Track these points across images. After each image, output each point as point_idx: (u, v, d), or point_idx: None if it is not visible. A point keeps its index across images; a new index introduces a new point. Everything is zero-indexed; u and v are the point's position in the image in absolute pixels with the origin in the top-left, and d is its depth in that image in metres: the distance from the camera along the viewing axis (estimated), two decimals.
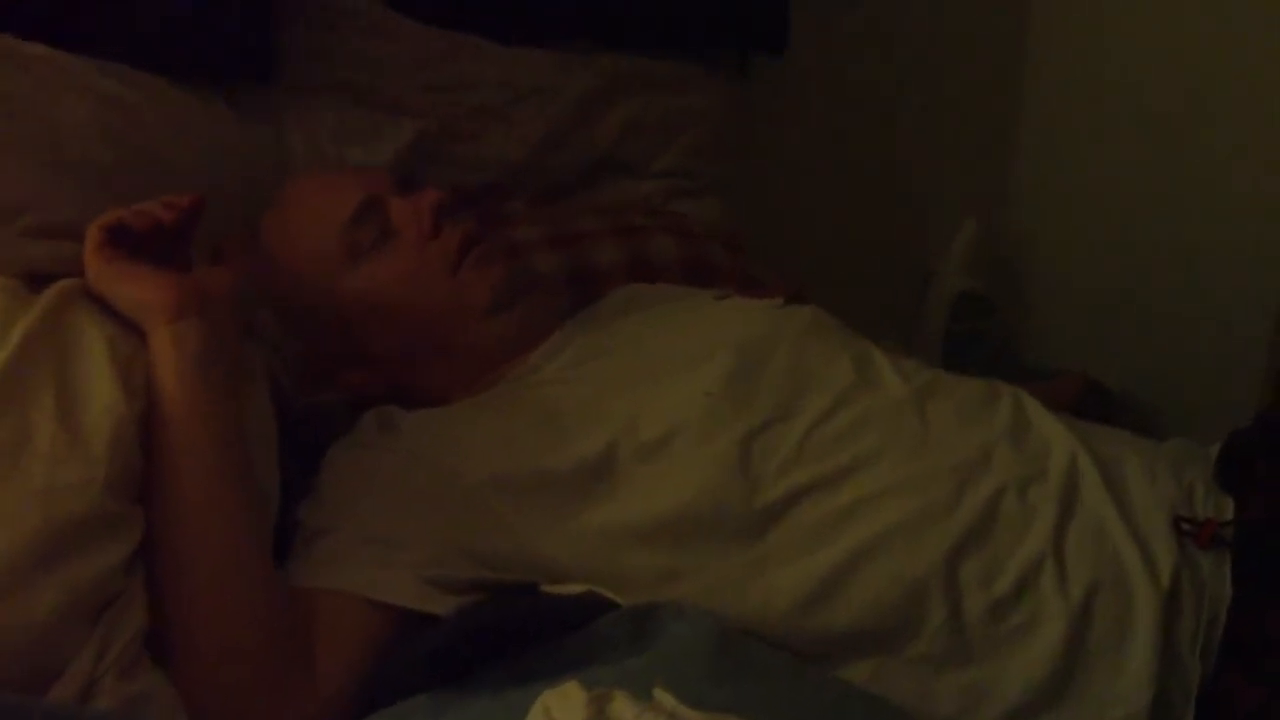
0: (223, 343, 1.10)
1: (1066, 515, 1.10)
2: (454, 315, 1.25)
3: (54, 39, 1.29)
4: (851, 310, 1.36)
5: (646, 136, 1.67)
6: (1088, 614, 1.06)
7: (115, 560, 1.03)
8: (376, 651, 1.05)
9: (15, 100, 1.24)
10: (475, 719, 0.95)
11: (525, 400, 1.20)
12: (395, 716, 1.00)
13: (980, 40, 2.05)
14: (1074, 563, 1.07)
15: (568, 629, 0.98)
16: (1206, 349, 1.99)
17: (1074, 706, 1.04)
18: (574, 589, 1.03)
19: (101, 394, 1.06)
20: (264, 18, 1.46)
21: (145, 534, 1.06)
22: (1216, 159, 1.96)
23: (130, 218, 1.12)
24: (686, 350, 1.21)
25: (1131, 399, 1.93)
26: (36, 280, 1.14)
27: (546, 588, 1.05)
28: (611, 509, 1.10)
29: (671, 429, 1.12)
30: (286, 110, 1.50)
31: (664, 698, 0.80)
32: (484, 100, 1.58)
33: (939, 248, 2.10)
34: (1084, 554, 1.08)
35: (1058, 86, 2.05)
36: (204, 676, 1.02)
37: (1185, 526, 1.09)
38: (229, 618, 1.03)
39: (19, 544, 0.98)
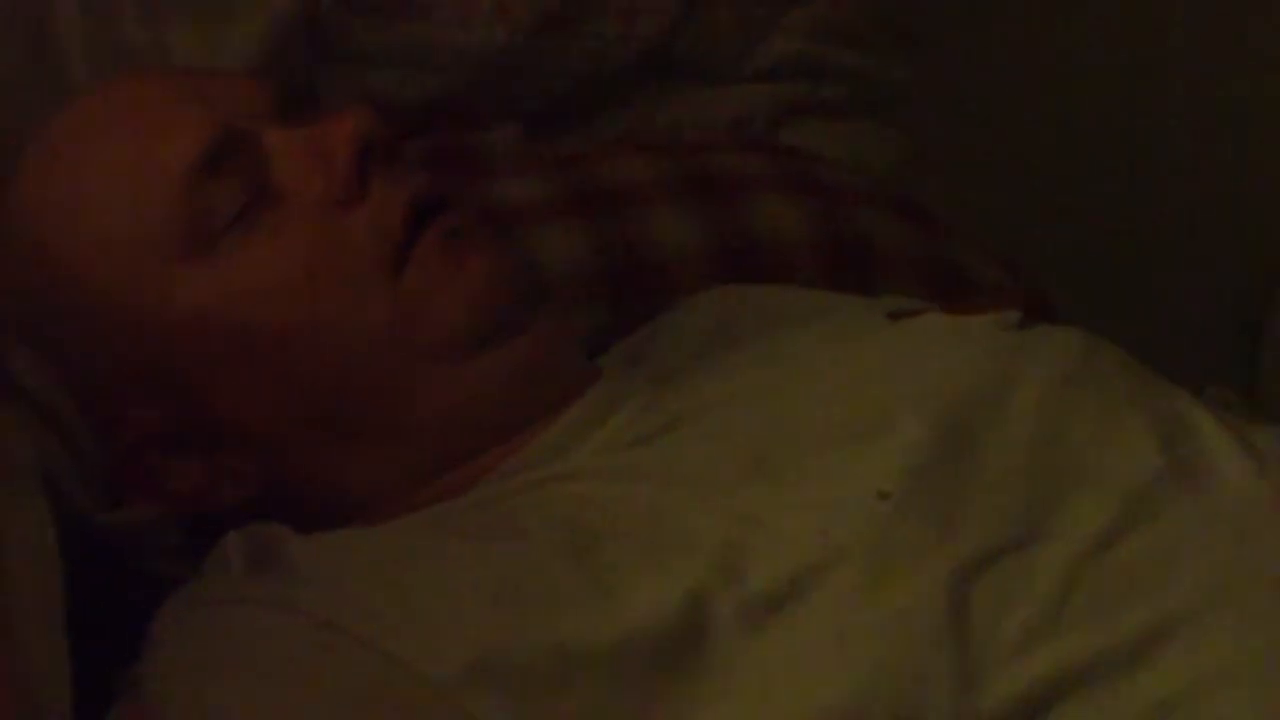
0: None
1: None
2: (395, 354, 0.98)
3: None
4: (1146, 335, 1.08)
5: (738, 0, 1.36)
6: None
7: None
8: None
9: None
10: None
11: (533, 514, 0.94)
12: None
13: None
14: None
15: None
16: None
17: None
18: None
19: None
20: None
21: None
22: None
23: None
24: (838, 414, 0.96)
25: None
26: None
27: None
28: None
29: (810, 566, 0.88)
30: None
31: None
32: None
33: None
34: None
35: None
36: None
37: None
38: None
39: None
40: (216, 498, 1.00)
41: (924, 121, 1.50)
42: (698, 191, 1.25)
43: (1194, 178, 1.87)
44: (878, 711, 0.86)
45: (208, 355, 0.99)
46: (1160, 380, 1.03)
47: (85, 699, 0.91)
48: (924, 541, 0.91)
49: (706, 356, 1.06)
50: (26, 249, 1.02)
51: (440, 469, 1.00)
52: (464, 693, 0.88)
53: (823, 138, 1.37)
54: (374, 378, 1.00)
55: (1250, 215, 1.84)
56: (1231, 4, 1.82)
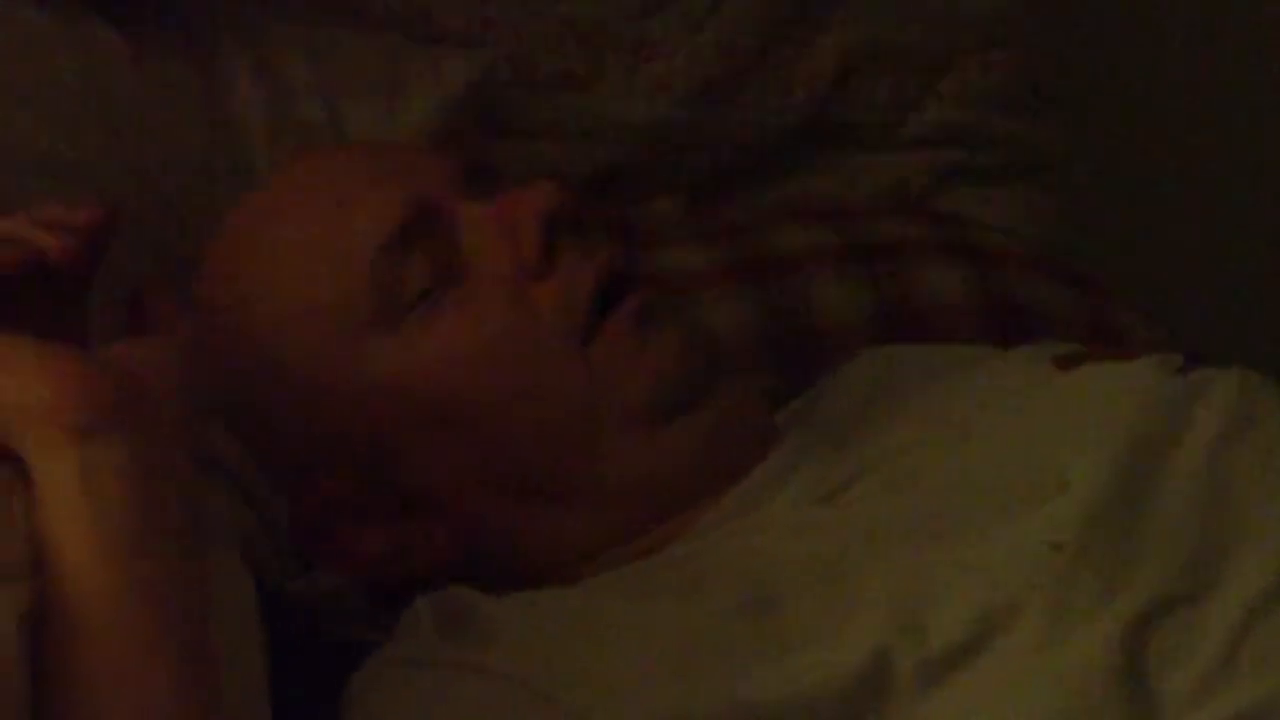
0: (166, 476, 0.83)
1: None
2: (584, 424, 0.99)
3: None
4: None
5: (892, 69, 1.35)
6: None
7: None
8: None
9: None
10: None
11: (715, 574, 0.95)
12: None
13: None
14: None
15: None
16: None
17: None
18: None
19: None
20: None
21: None
22: None
23: None
24: (1010, 469, 0.96)
25: None
26: None
27: None
28: None
29: (988, 620, 0.88)
30: (230, 41, 1.22)
31: None
32: (593, 13, 1.30)
33: None
34: None
35: None
36: None
37: None
38: None
39: None
40: (405, 564, 1.00)
41: (1078, 186, 1.48)
42: (858, 257, 1.26)
43: None
44: None
45: (398, 425, 1.00)
46: None
47: None
48: (1098, 592, 0.90)
49: (874, 416, 1.06)
50: (221, 322, 1.02)
51: (628, 534, 1.00)
52: None
53: (978, 203, 1.37)
54: (563, 448, 1.00)
55: None
56: None
